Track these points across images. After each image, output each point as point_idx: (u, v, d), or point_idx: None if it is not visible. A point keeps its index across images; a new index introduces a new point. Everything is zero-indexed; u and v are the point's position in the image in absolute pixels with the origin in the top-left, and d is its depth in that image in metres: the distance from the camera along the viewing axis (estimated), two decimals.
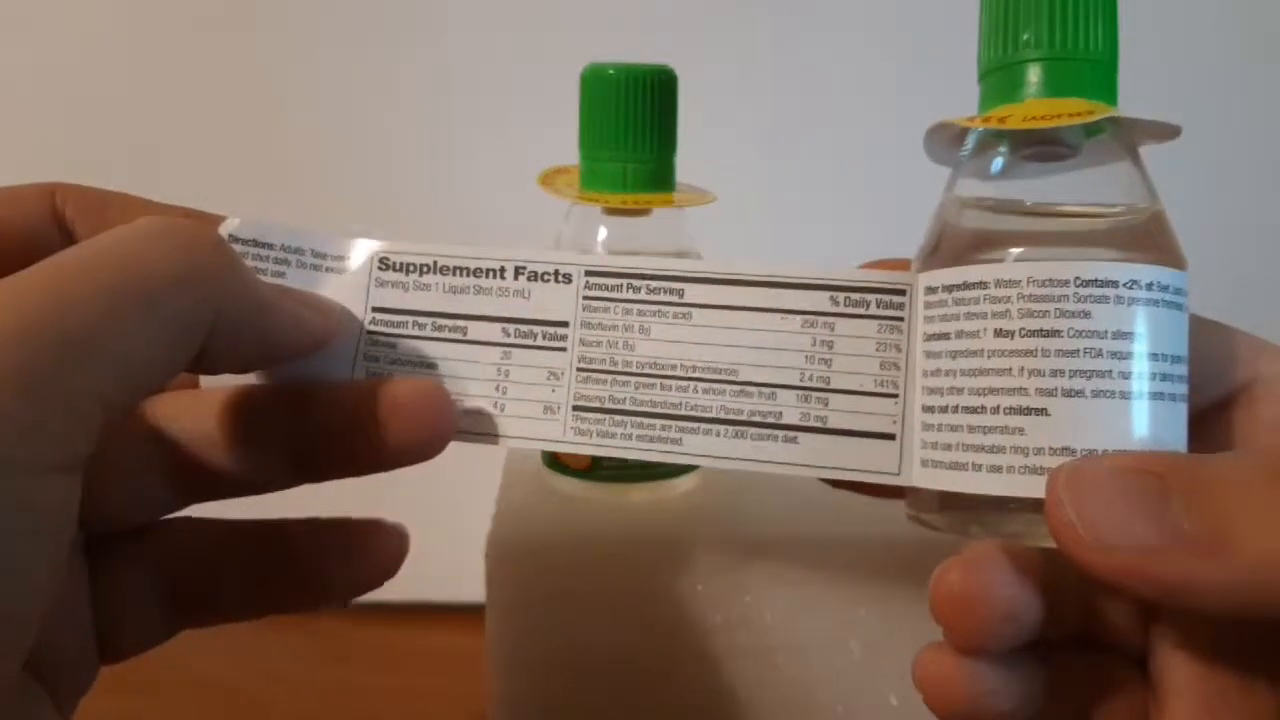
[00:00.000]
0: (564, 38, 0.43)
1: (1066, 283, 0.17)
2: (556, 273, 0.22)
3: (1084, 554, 0.16)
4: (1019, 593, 0.19)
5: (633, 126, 0.29)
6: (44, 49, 0.43)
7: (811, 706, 0.32)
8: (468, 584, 0.33)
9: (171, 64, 0.43)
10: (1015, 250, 0.18)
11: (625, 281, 0.22)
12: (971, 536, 0.19)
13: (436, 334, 0.22)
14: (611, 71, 0.29)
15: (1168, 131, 0.19)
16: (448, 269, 0.22)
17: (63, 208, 0.22)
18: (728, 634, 0.31)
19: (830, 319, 0.20)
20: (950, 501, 0.19)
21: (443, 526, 0.42)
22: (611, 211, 0.30)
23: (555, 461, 0.32)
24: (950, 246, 0.20)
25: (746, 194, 0.36)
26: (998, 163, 0.20)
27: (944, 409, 0.18)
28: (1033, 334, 0.17)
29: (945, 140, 0.21)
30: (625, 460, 0.21)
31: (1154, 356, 0.17)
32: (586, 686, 0.32)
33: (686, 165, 0.30)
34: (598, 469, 0.32)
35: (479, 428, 0.21)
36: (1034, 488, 0.17)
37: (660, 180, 0.29)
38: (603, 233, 0.31)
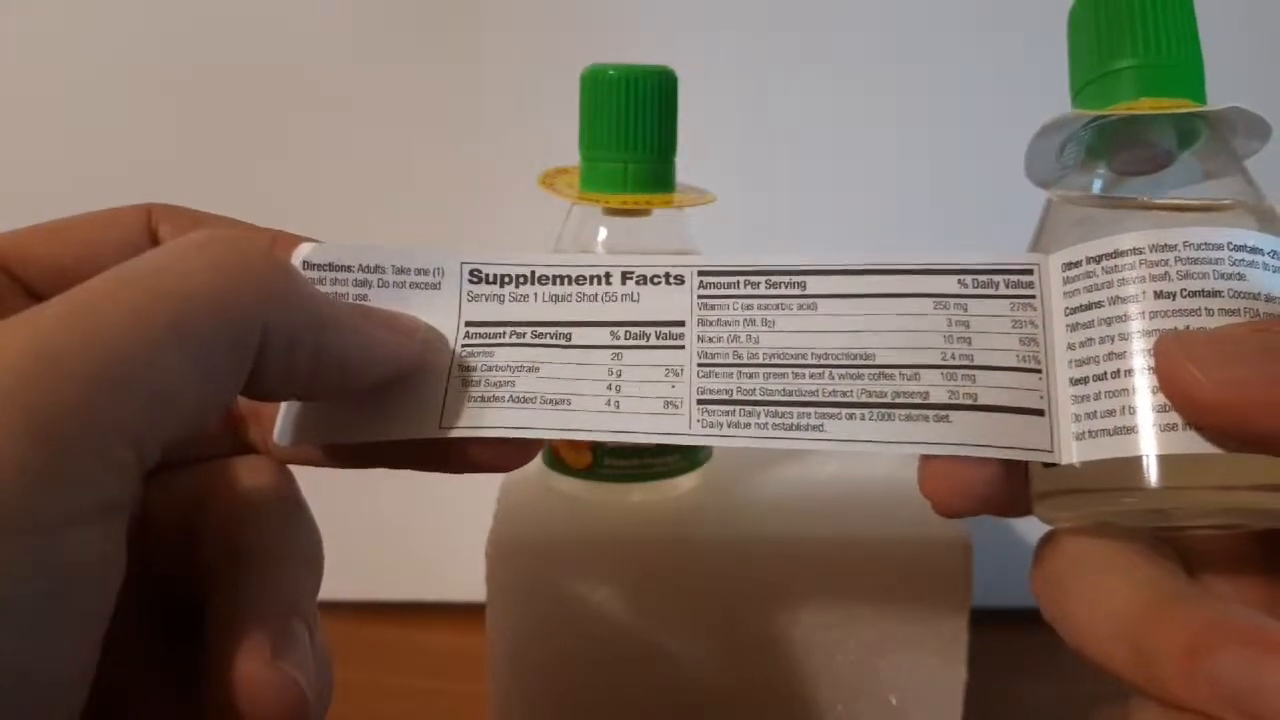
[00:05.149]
0: (564, 38, 0.43)
1: (1221, 246, 0.18)
2: (668, 275, 0.21)
3: (1202, 393, 0.16)
4: None
5: (633, 127, 0.29)
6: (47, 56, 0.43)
7: (811, 706, 0.32)
8: (468, 584, 0.33)
9: (172, 64, 0.43)
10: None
11: (741, 279, 0.21)
12: (1107, 519, 0.19)
13: (537, 341, 0.21)
14: (612, 72, 0.29)
15: (1261, 130, 0.20)
16: (547, 278, 0.21)
17: (157, 227, 0.21)
18: (728, 633, 0.31)
19: (962, 300, 0.20)
20: (1097, 482, 0.19)
21: (443, 526, 0.42)
22: (611, 211, 0.30)
23: (555, 461, 0.32)
24: (1071, 235, 0.20)
25: (746, 194, 0.36)
26: (1097, 184, 0.21)
27: (1100, 377, 0.19)
28: (1194, 294, 0.18)
29: (1047, 150, 0.21)
30: (750, 448, 0.20)
31: None
32: (586, 686, 0.32)
33: (686, 165, 0.30)
34: (598, 469, 0.32)
35: (593, 426, 0.20)
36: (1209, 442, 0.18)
37: (660, 180, 0.29)
38: (603, 233, 0.31)
